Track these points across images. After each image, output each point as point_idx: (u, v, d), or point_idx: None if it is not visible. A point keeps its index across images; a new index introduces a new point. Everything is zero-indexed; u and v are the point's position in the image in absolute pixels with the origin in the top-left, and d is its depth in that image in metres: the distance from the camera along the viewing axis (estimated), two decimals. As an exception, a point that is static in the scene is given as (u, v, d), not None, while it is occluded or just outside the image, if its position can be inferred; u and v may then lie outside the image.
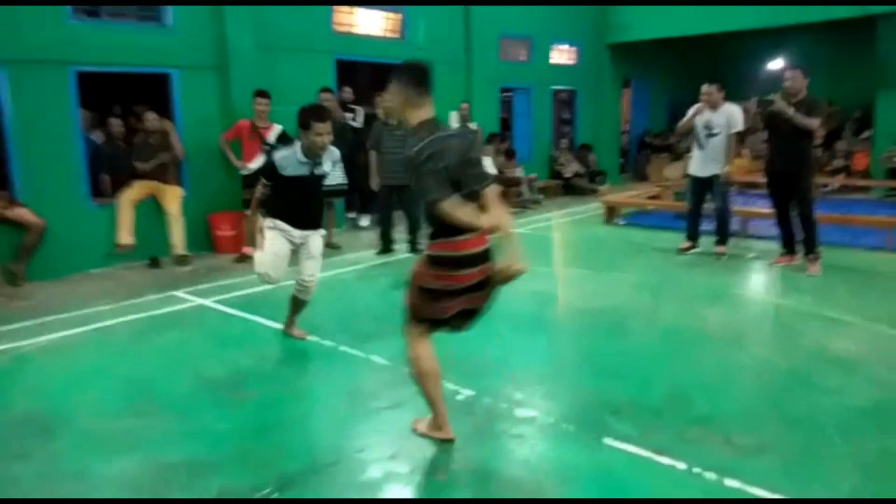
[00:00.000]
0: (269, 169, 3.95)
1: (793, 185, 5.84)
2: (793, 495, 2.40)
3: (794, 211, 5.93)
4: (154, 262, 6.63)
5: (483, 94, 10.33)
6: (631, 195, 9.54)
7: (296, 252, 4.12)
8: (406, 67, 2.71)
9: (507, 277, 2.66)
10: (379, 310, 5.05)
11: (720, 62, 14.62)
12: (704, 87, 6.31)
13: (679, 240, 7.07)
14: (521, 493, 2.47)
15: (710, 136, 6.29)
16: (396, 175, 6.72)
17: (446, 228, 2.60)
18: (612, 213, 8.67)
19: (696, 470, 2.59)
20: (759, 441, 2.80)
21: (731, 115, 6.23)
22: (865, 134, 11.86)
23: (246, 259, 6.81)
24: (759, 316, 4.57)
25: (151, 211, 6.72)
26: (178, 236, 6.70)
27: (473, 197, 2.64)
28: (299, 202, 4.03)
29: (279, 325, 4.56)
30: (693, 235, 6.69)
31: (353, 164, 7.36)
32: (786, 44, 13.56)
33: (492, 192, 2.69)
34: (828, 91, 12.72)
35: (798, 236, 5.99)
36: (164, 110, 6.94)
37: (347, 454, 2.80)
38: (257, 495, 2.50)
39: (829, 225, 7.20)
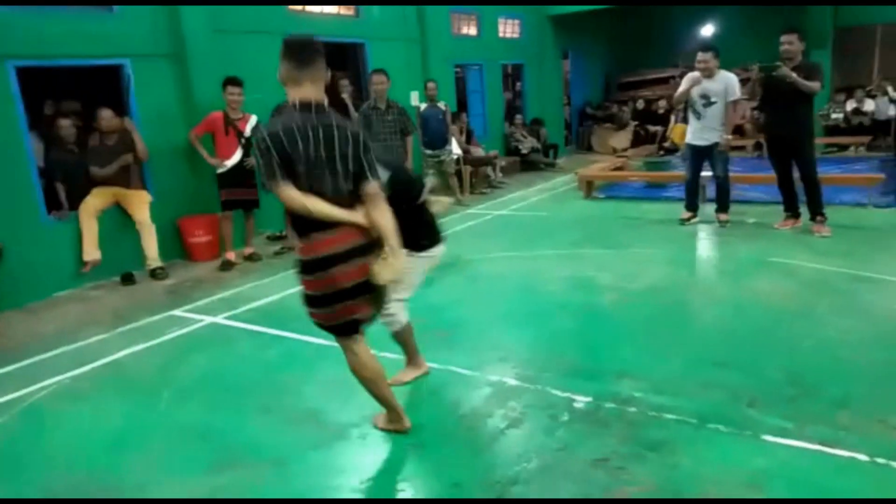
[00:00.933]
0: None
1: (793, 150, 5.93)
2: None
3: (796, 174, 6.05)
4: (128, 279, 5.90)
5: (440, 72, 9.93)
6: (600, 168, 9.50)
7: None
8: (286, 42, 2.56)
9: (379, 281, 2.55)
10: (419, 312, 4.66)
11: (649, 31, 14.87)
12: (700, 55, 6.25)
13: (665, 210, 7.12)
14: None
15: (708, 104, 6.25)
16: (385, 162, 6.29)
17: (302, 226, 2.51)
18: (590, 187, 8.59)
19: (881, 461, 2.46)
20: (918, 420, 2.72)
21: (729, 83, 6.21)
22: (798, 94, 12.39)
23: (231, 266, 6.22)
24: (811, 283, 4.55)
25: (115, 220, 5.98)
26: (151, 246, 6.01)
27: (341, 194, 2.50)
28: None
29: (318, 340, 4.11)
30: (693, 206, 6.68)
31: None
32: (714, 10, 13.92)
33: (372, 189, 2.53)
34: (761, 53, 13.21)
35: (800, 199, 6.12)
36: (117, 107, 6.14)
37: (504, 488, 2.48)
38: (433, 554, 2.16)
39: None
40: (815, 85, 5.65)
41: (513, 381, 3.35)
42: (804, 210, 6.11)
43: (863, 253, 5.16)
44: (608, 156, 12.22)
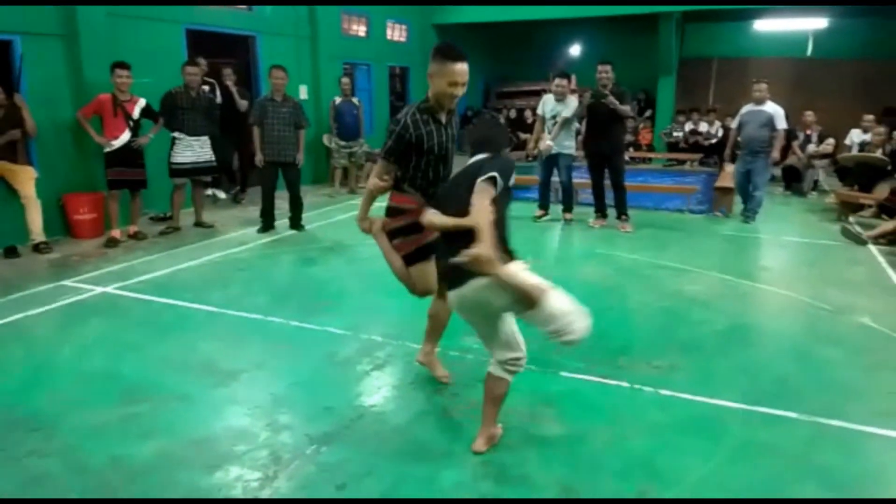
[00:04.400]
0: None
1: (608, 162, 7.14)
2: (706, 397, 3.33)
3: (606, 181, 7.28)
4: (11, 251, 6.04)
5: (328, 69, 10.49)
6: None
7: None
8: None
9: None
10: (302, 286, 5.30)
11: (525, 46, 16.15)
12: (558, 81, 7.30)
13: (525, 208, 8.17)
14: (521, 416, 3.11)
15: (556, 122, 7.34)
16: (281, 151, 6.82)
17: None
18: (462, 185, 9.50)
19: (637, 386, 3.43)
20: (670, 362, 3.73)
21: (571, 105, 7.32)
22: (648, 113, 14.08)
23: (116, 243, 6.49)
24: (624, 269, 5.65)
25: (0, 195, 6.09)
26: (36, 221, 6.18)
27: None
28: None
29: (209, 307, 4.65)
30: (545, 205, 7.77)
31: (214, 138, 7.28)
32: (582, 32, 15.41)
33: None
34: (615, 74, 14.85)
35: (609, 202, 7.37)
36: (5, 83, 6.23)
37: (366, 409, 3.21)
38: (307, 451, 2.84)
39: (640, 192, 8.77)
40: (627, 108, 6.93)
41: (378, 338, 4.08)
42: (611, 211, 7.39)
43: (669, 248, 6.38)
44: (483, 158, 13.26)
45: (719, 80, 14.77)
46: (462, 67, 3.19)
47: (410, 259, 3.23)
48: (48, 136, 6.57)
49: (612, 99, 6.81)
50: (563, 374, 3.59)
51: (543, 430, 3.01)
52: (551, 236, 7.13)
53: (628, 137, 14.05)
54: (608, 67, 7.00)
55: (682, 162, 12.73)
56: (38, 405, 3.23)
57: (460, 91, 3.20)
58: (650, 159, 13.13)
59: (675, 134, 13.14)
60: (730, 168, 9.67)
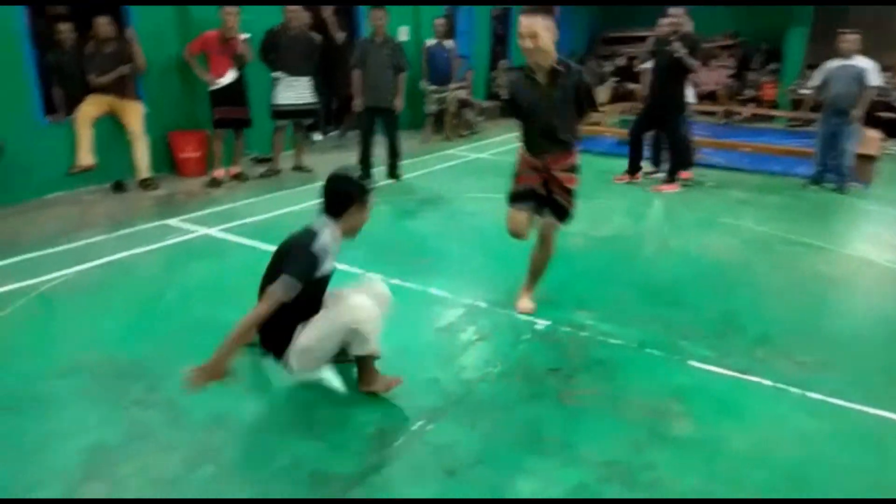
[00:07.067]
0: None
1: (662, 117, 6.57)
2: (866, 405, 2.87)
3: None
4: (119, 186, 6.15)
5: (430, 10, 10.04)
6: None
7: None
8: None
9: None
10: (401, 240, 5.08)
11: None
12: (672, 10, 6.59)
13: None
14: (647, 410, 2.78)
15: None
16: (379, 97, 6.54)
17: None
18: (565, 138, 8.96)
19: (781, 386, 3.01)
20: (818, 359, 3.26)
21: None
22: (772, 66, 12.84)
23: (218, 183, 6.49)
24: (752, 242, 5.07)
25: (109, 129, 6.16)
26: (142, 158, 6.24)
27: None
28: None
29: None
30: (655, 161, 7.21)
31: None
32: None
33: None
34: (737, 22, 13.59)
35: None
36: (116, 17, 6.22)
37: (473, 385, 2.97)
38: (413, 427, 2.63)
39: (767, 155, 8.00)
40: (695, 63, 6.23)
41: (483, 305, 3.81)
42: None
43: (801, 221, 5.71)
44: (585, 109, 12.55)
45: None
46: (522, 20, 3.15)
47: (510, 199, 3.61)
48: (154, 72, 6.57)
49: (677, 45, 6.13)
50: (692, 363, 3.20)
51: (673, 430, 2.67)
52: (664, 198, 6.57)
53: (750, 92, 12.92)
54: (681, 10, 6.36)
55: (809, 122, 11.54)
56: (143, 352, 3.19)
57: (528, 43, 3.14)
58: (772, 118, 12.01)
59: (801, 91, 11.90)
60: (872, 133, 8.66)
